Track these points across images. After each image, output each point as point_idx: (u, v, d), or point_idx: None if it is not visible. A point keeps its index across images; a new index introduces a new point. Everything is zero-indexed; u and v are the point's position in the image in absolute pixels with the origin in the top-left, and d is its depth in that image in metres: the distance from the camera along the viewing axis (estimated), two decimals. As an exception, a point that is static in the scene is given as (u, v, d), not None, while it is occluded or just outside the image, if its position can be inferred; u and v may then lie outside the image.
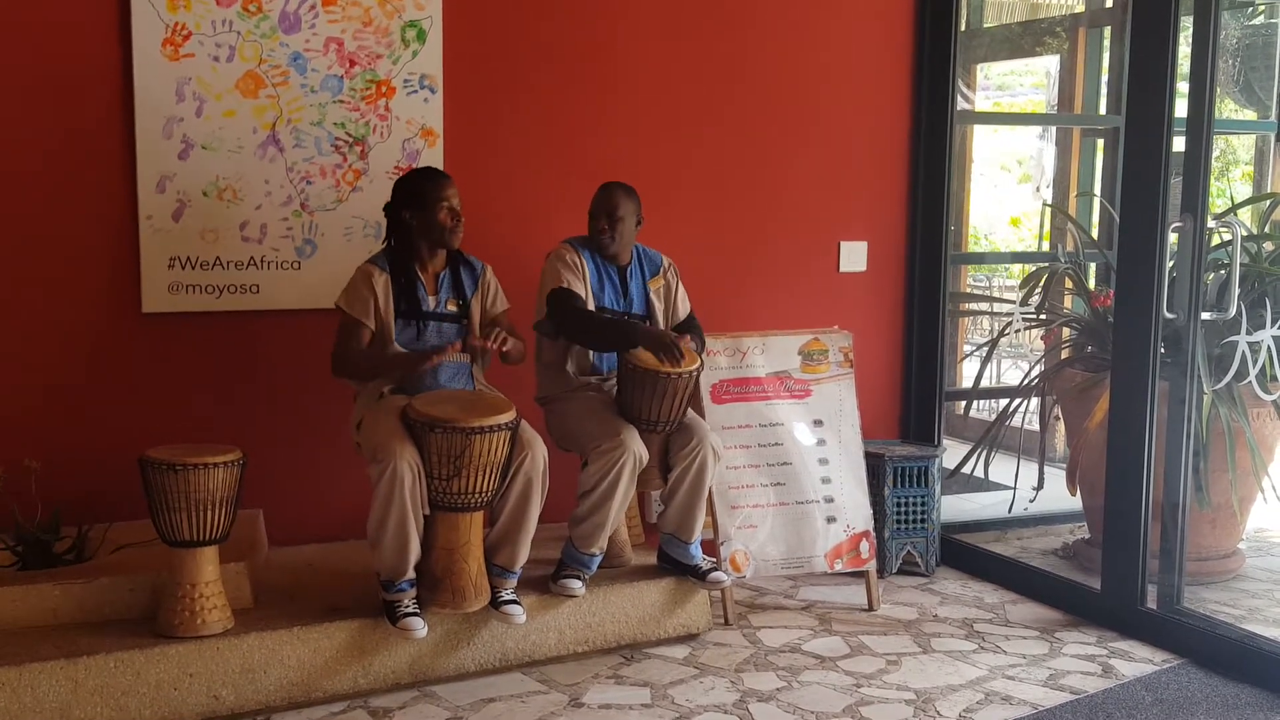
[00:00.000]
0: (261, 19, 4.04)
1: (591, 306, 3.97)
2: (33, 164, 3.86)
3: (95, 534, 3.75)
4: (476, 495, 3.51)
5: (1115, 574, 4.24)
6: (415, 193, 3.71)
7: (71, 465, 3.90)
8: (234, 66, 4.03)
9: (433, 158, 4.31)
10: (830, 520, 4.42)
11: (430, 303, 3.77)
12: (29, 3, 3.79)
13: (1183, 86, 4.07)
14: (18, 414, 3.90)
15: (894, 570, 4.82)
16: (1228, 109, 6.38)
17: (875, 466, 4.73)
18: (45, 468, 3.69)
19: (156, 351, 4.07)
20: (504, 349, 3.71)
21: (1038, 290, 5.28)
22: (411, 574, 3.54)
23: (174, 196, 4.01)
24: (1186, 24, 4.04)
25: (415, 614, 3.52)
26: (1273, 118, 6.16)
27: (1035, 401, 5.28)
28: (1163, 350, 4.09)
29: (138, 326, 4.03)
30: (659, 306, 4.11)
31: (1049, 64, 7.75)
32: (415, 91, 4.29)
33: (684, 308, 4.19)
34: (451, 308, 3.81)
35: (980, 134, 7.29)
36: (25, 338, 3.91)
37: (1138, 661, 3.97)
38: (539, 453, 3.64)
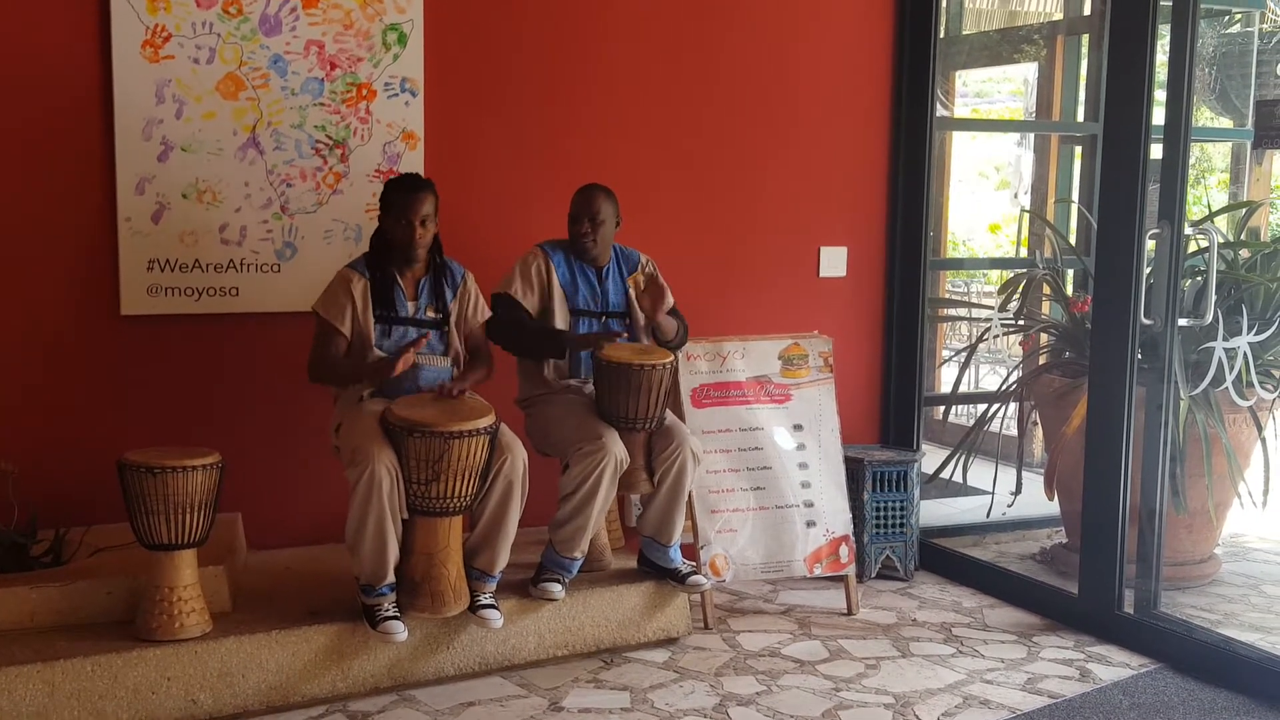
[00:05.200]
0: (242, 21, 4.03)
1: (563, 309, 3.98)
2: (10, 165, 3.84)
3: (73, 537, 3.73)
4: (455, 500, 3.50)
5: (1093, 578, 4.26)
6: (387, 202, 3.72)
7: (49, 467, 3.88)
8: (214, 68, 4.01)
9: (413, 161, 4.31)
10: (810, 524, 4.43)
11: (410, 308, 3.76)
12: (6, 4, 3.77)
13: (1160, 94, 4.11)
14: (-6, 416, 3.88)
15: (873, 574, 4.84)
16: (1204, 117, 6.43)
17: (855, 471, 4.74)
18: (23, 470, 3.68)
19: (135, 354, 4.05)
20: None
21: (1016, 296, 5.31)
22: (391, 578, 3.54)
23: (153, 198, 3.99)
24: (1164, 32, 4.07)
25: (395, 618, 3.51)
26: (1249, 125, 6.22)
27: (1014, 407, 5.31)
28: (1140, 356, 4.12)
29: (116, 329, 4.01)
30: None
31: (1027, 71, 7.81)
32: (396, 94, 4.28)
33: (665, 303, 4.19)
34: (431, 314, 3.80)
35: (958, 141, 7.34)
36: (2, 339, 3.88)
37: (1115, 666, 4.00)
38: (519, 457, 3.63)
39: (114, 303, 3.99)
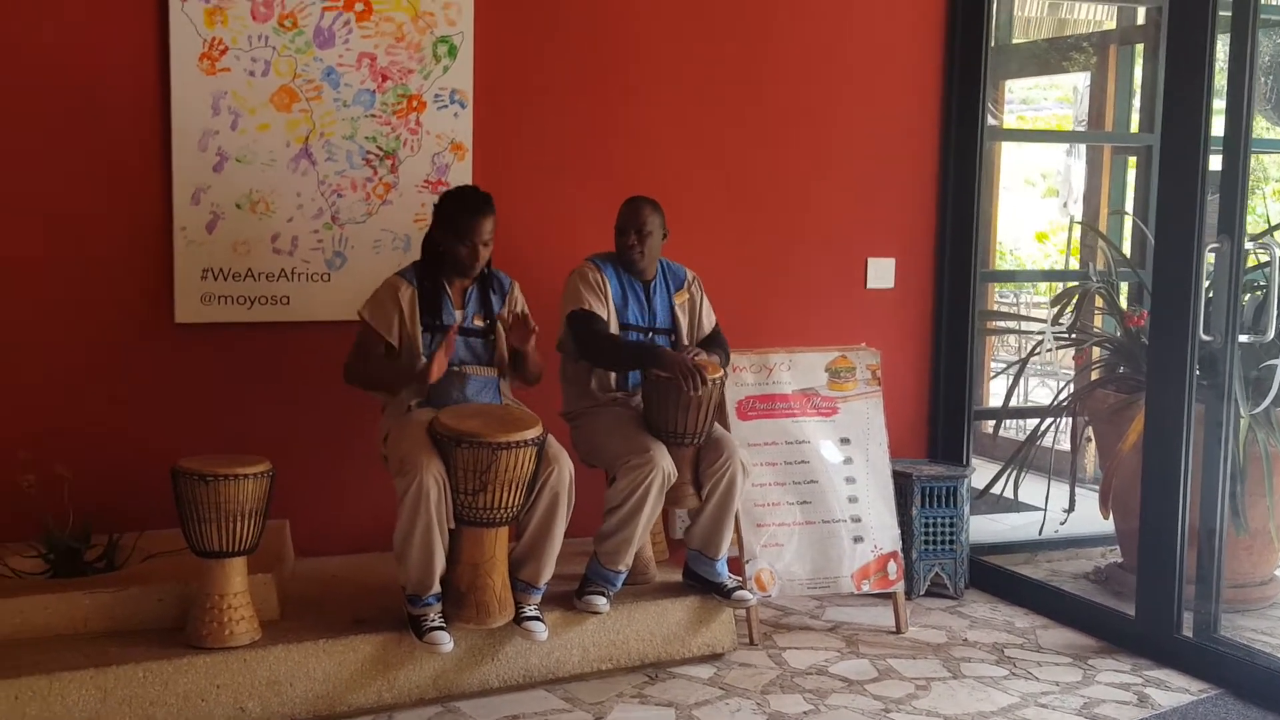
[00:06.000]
0: (296, 34, 4.06)
1: (615, 323, 3.97)
2: (70, 175, 3.88)
3: (126, 543, 3.77)
4: (502, 510, 3.50)
5: (1150, 600, 4.18)
6: (449, 219, 3.70)
7: (103, 474, 3.91)
8: (269, 81, 4.05)
9: (462, 172, 4.32)
10: (857, 540, 4.38)
11: (457, 317, 3.77)
12: (69, 17, 3.82)
13: (1219, 104, 4.04)
14: (51, 422, 3.92)
15: (922, 592, 4.78)
16: (1259, 127, 6.32)
17: (903, 486, 4.69)
18: (77, 476, 3.70)
19: (188, 362, 4.08)
20: (526, 346, 3.70)
21: (1069, 309, 5.23)
22: (437, 588, 3.53)
23: (208, 208, 4.03)
24: (1222, 41, 4.01)
25: (441, 628, 3.51)
26: (1309, 137, 6.10)
27: (1066, 422, 5.23)
28: (1198, 373, 4.04)
29: (170, 337, 4.05)
30: (684, 321, 4.10)
31: (1076, 80, 7.71)
32: (446, 106, 4.30)
33: (709, 321, 4.17)
34: (478, 323, 3.80)
35: (1005, 148, 7.25)
36: (59, 347, 3.93)
37: (1174, 691, 3.91)
38: (565, 468, 3.62)
39: (169, 311, 4.03)
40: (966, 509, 4.82)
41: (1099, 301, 5.37)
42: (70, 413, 3.95)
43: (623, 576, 3.88)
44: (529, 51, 4.44)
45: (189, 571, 3.48)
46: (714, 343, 4.12)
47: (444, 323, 3.74)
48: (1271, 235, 4.82)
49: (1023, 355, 5.57)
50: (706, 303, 4.17)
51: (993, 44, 5.25)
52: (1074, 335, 5.30)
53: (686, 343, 4.08)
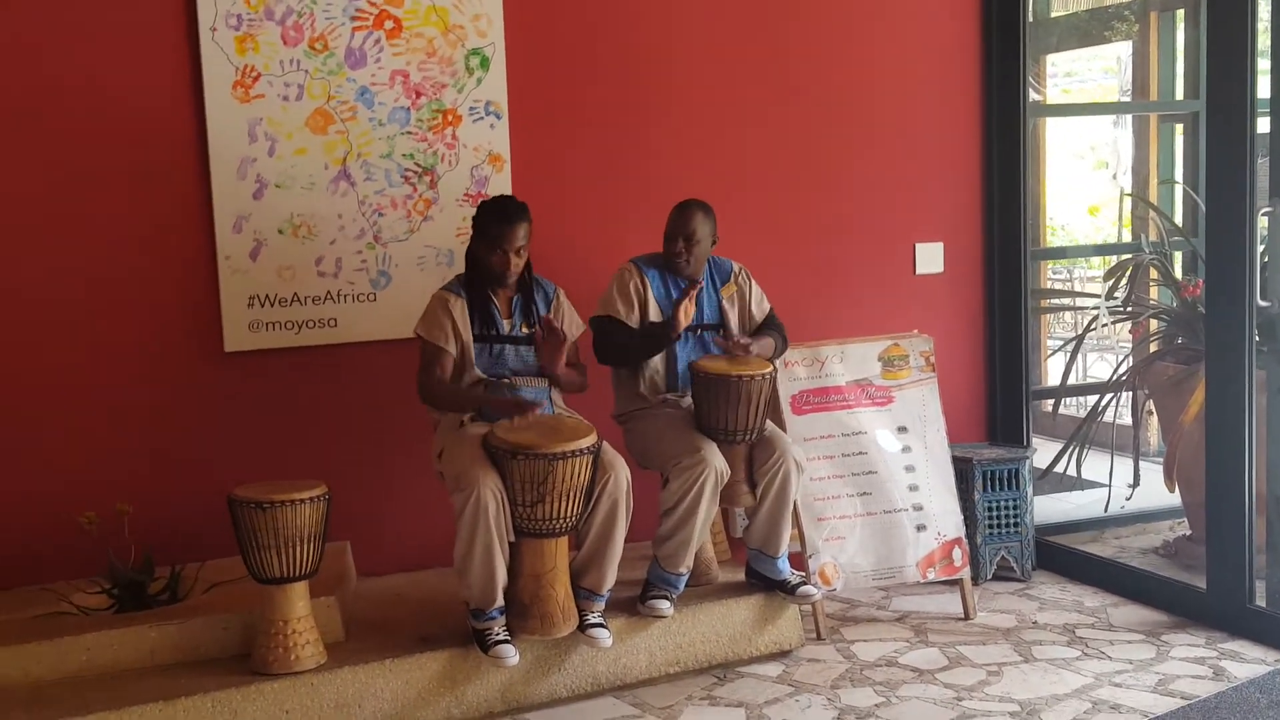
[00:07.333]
0: (328, 56, 4.08)
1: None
2: (113, 212, 3.92)
3: (188, 573, 3.80)
4: (561, 520, 3.49)
5: (1221, 572, 4.10)
6: (483, 229, 3.73)
7: (163, 506, 3.95)
8: (303, 105, 4.07)
9: (501, 183, 4.32)
10: (920, 528, 4.33)
11: (505, 326, 3.78)
12: (103, 55, 3.86)
13: (1264, 64, 3.95)
14: (109, 458, 3.97)
15: (988, 576, 4.71)
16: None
17: (964, 471, 4.63)
18: (137, 509, 3.74)
19: (240, 390, 4.12)
20: (555, 368, 3.72)
21: (1123, 283, 5.15)
22: (500, 601, 3.53)
23: (250, 236, 4.06)
24: (1264, 0, 3.92)
25: (506, 642, 3.51)
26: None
27: (1126, 396, 5.14)
28: (1257, 339, 3.96)
29: (221, 366, 4.08)
30: (732, 314, 4.07)
31: (1119, 50, 7.58)
32: (481, 118, 4.30)
33: (760, 310, 4.13)
34: (525, 331, 3.81)
35: (1051, 121, 7.15)
36: (113, 384, 3.97)
37: (1249, 662, 3.84)
38: (622, 475, 3.61)
39: (218, 341, 4.06)
40: (1029, 490, 4.76)
41: (1153, 273, 5.28)
42: (128, 448, 4.00)
43: (684, 579, 3.86)
44: (561, 59, 4.43)
45: (252, 599, 3.50)
46: (767, 328, 4.09)
47: (496, 332, 3.74)
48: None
49: (1079, 332, 5.48)
50: (756, 291, 4.14)
51: (1030, 18, 5.17)
52: (1129, 308, 5.21)
53: (737, 334, 4.05)
